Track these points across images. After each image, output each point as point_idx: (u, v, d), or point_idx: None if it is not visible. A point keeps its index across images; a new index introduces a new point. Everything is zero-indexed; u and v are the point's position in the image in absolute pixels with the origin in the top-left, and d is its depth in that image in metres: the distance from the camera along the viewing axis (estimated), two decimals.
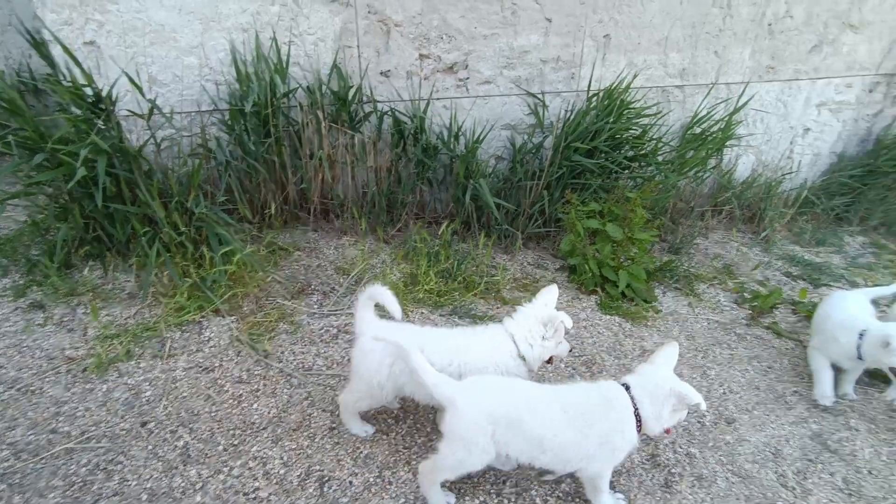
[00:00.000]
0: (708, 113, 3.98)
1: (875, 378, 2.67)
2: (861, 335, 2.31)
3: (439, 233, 3.28)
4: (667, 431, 1.76)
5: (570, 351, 2.10)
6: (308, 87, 3.14)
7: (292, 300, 2.81)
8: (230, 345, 2.49)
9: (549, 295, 2.02)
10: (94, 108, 2.59)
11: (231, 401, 2.22)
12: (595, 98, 3.53)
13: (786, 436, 2.32)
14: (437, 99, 3.42)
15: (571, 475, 1.99)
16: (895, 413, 2.49)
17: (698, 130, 3.98)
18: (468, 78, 3.43)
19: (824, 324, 2.52)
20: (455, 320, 2.79)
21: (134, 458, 1.92)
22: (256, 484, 1.87)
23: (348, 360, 2.46)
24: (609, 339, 2.80)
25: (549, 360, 2.02)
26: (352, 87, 3.18)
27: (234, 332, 2.55)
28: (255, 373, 2.36)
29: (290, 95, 3.10)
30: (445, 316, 2.81)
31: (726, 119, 3.98)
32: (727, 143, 4.04)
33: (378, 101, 3.29)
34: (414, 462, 1.99)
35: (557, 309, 2.01)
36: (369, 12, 3.12)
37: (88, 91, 2.58)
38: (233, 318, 2.63)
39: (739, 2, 3.82)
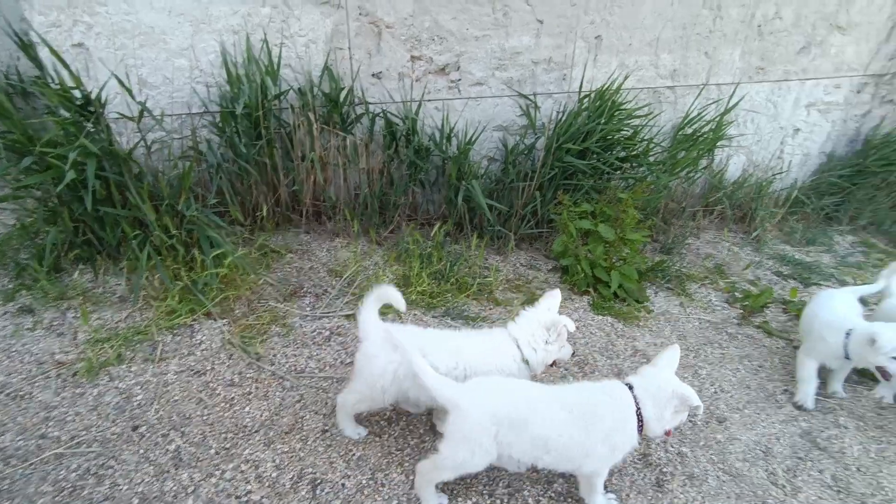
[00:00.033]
0: (699, 114, 4.00)
1: (864, 376, 2.70)
2: (848, 334, 2.32)
3: (432, 234, 3.29)
4: (667, 434, 1.79)
5: (573, 354, 2.11)
6: (299, 88, 3.13)
7: (284, 302, 2.80)
8: (222, 348, 2.48)
9: (552, 299, 2.04)
10: (83, 110, 2.57)
11: (223, 404, 2.21)
12: (587, 99, 3.55)
13: (776, 434, 2.34)
14: (429, 100, 3.42)
15: (563, 474, 2.00)
16: (883, 410, 2.52)
17: (689, 131, 4.00)
18: (460, 79, 3.44)
19: (812, 323, 2.53)
20: (448, 322, 2.79)
21: (125, 462, 1.91)
22: (248, 487, 1.86)
23: (341, 362, 2.47)
24: (601, 340, 2.81)
25: (553, 364, 2.04)
26: (343, 88, 3.18)
27: (225, 335, 2.54)
28: (247, 376, 2.35)
29: (282, 97, 3.10)
30: (438, 317, 2.81)
31: (717, 120, 4.00)
32: (718, 144, 4.07)
33: (370, 103, 3.29)
34: (407, 464, 1.99)
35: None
36: (360, 14, 3.12)
37: (77, 93, 2.56)
38: (224, 321, 2.62)
39: (729, 3, 3.85)
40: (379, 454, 2.02)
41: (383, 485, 1.91)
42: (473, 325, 2.79)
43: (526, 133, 3.62)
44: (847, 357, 2.34)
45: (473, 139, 3.39)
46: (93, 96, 2.57)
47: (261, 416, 2.16)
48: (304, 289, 2.93)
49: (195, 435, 2.05)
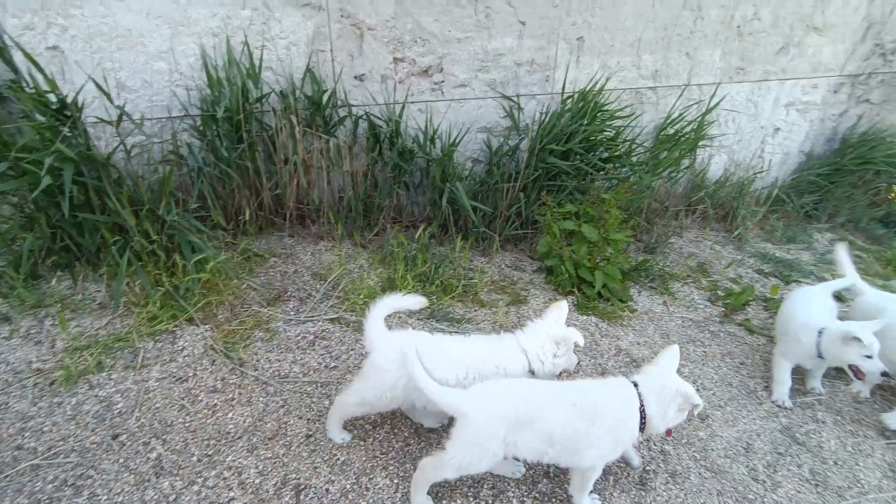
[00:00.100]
0: (681, 114, 4.05)
1: (841, 371, 2.74)
2: (820, 333, 2.35)
3: (416, 237, 3.28)
4: (668, 433, 1.83)
5: (578, 363, 2.14)
6: (281, 91, 3.11)
7: (268, 307, 2.78)
8: (204, 354, 2.46)
9: (560, 311, 2.06)
10: (59, 114, 2.53)
11: (205, 410, 2.19)
12: (570, 100, 3.57)
13: (757, 430, 2.38)
14: (413, 102, 3.42)
15: (548, 474, 2.02)
16: (860, 405, 2.57)
17: (671, 131, 4.05)
18: (443, 81, 3.44)
19: (787, 324, 2.54)
20: (433, 324, 2.79)
21: (104, 471, 1.88)
22: (231, 494, 1.85)
23: (325, 366, 2.46)
24: (586, 339, 2.83)
25: (559, 374, 2.05)
26: (326, 91, 3.17)
27: (208, 341, 2.52)
28: (230, 382, 2.34)
29: (264, 100, 3.07)
30: (423, 320, 2.81)
31: (699, 120, 4.05)
32: (700, 144, 4.12)
33: (353, 106, 3.28)
34: (392, 468, 1.99)
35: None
36: (342, 16, 3.11)
37: (52, 97, 2.52)
38: (207, 326, 2.60)
39: (709, 4, 3.90)
40: (363, 458, 2.02)
41: (368, 489, 1.91)
42: (459, 327, 2.79)
43: (510, 134, 3.63)
44: (820, 356, 2.37)
45: (457, 141, 3.40)
46: (69, 100, 2.53)
47: (244, 422, 2.14)
48: (288, 293, 2.91)
49: (177, 442, 2.03)
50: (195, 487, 1.86)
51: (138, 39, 2.82)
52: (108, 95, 2.66)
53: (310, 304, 2.84)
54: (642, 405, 1.76)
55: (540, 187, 3.47)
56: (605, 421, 1.72)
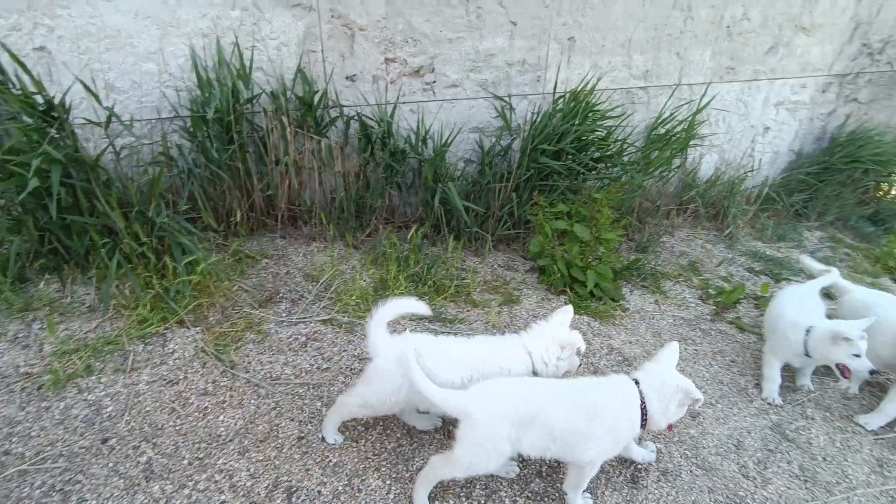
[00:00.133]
0: (672, 114, 4.07)
1: (829, 369, 2.77)
2: (808, 332, 2.35)
3: (408, 237, 3.28)
4: (669, 428, 1.85)
5: (579, 366, 2.18)
6: (272, 92, 3.10)
7: (260, 309, 2.77)
8: (195, 356, 2.45)
9: (565, 315, 2.10)
10: (47, 116, 2.51)
11: (196, 413, 2.17)
12: (561, 100, 3.58)
13: (747, 427, 2.39)
14: (404, 103, 3.42)
15: (540, 473, 2.02)
16: (848, 401, 2.59)
17: (662, 131, 4.07)
18: (435, 81, 3.44)
19: (777, 322, 2.54)
20: (426, 324, 2.79)
21: (93, 476, 1.86)
22: (223, 497, 1.84)
23: (317, 368, 2.45)
24: None
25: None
26: (317, 91, 3.16)
27: (199, 344, 2.50)
28: (222, 384, 2.32)
29: (254, 101, 3.06)
30: (416, 320, 2.81)
31: (689, 119, 4.08)
32: (691, 143, 4.14)
33: (344, 106, 3.27)
34: (384, 469, 1.99)
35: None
36: (333, 16, 3.11)
37: (39, 99, 2.49)
38: (198, 328, 2.58)
39: (699, 4, 3.92)
40: (356, 460, 2.01)
41: (360, 490, 1.90)
42: (451, 328, 2.79)
43: (502, 134, 3.64)
44: (807, 355, 2.38)
45: (449, 141, 3.40)
46: (56, 101, 2.51)
47: (235, 424, 2.13)
48: (280, 294, 2.90)
49: (167, 446, 2.02)
50: (186, 491, 1.85)
51: (127, 40, 2.80)
52: (96, 96, 2.64)
53: (302, 306, 2.83)
54: (643, 402, 1.78)
55: (532, 187, 3.47)
56: (605, 419, 1.74)
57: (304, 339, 2.62)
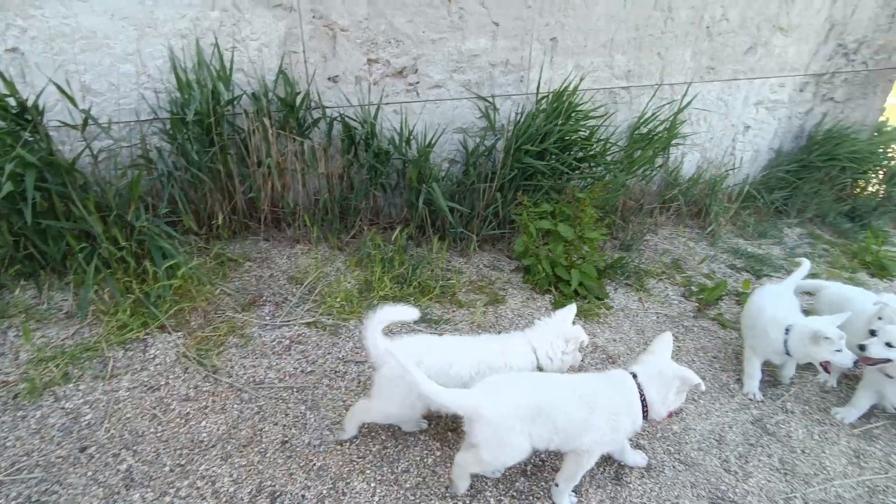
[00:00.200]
0: (653, 113, 4.12)
1: (809, 364, 2.82)
2: (787, 331, 2.37)
3: (393, 238, 3.27)
4: (669, 416, 1.89)
5: (584, 359, 2.24)
6: (253, 93, 3.07)
7: (243, 312, 2.74)
8: (177, 361, 2.41)
9: (568, 312, 2.15)
10: (20, 119, 2.45)
11: (178, 419, 2.14)
12: (544, 100, 3.60)
13: (729, 422, 2.42)
14: (388, 103, 3.41)
15: (525, 472, 2.03)
16: (826, 394, 2.64)
17: (645, 130, 4.11)
18: (418, 82, 3.44)
19: (756, 319, 2.55)
20: (411, 326, 2.78)
21: (71, 486, 1.83)
22: (205, 503, 1.82)
23: (301, 371, 2.43)
24: None
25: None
26: (299, 93, 3.14)
27: (180, 349, 2.47)
28: (204, 389, 2.29)
29: (235, 102, 3.03)
30: (400, 323, 2.80)
31: (671, 119, 4.12)
32: (673, 142, 4.19)
33: (327, 107, 3.25)
34: (368, 472, 1.98)
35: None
36: (314, 17, 3.09)
37: (12, 101, 2.44)
38: (179, 333, 2.55)
39: (679, 5, 3.97)
40: (340, 463, 2.00)
41: (345, 494, 1.89)
42: (437, 328, 2.79)
43: (486, 135, 3.65)
44: (788, 353, 2.39)
45: (433, 142, 3.40)
46: (29, 104, 2.46)
47: (218, 430, 2.11)
48: (264, 297, 2.87)
49: (148, 453, 1.99)
50: (167, 498, 1.82)
51: (103, 41, 2.76)
52: (71, 99, 2.59)
53: (285, 309, 2.81)
54: (643, 394, 1.83)
55: (516, 187, 3.49)
56: (605, 411, 1.79)
57: (287, 342, 2.60)
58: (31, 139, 2.45)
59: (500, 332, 2.64)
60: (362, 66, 3.28)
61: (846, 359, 2.21)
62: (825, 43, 4.63)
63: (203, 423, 2.13)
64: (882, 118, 5.39)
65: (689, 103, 4.20)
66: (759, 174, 4.99)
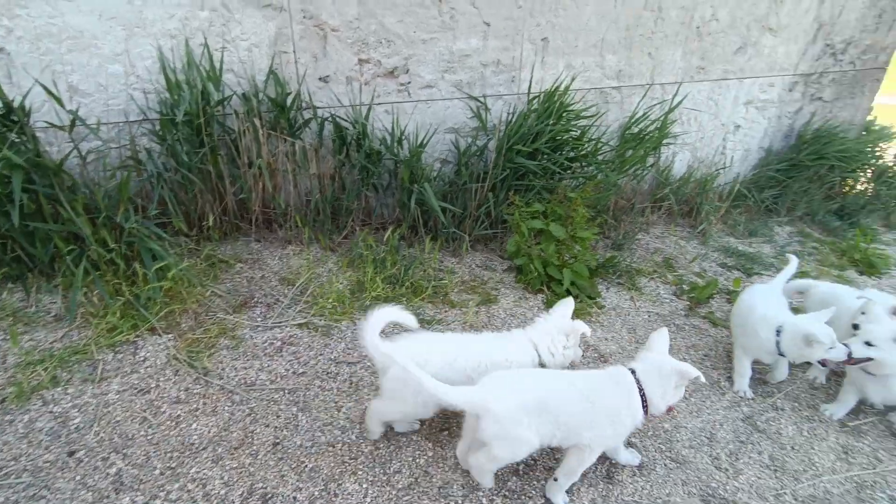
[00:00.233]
0: (644, 113, 4.14)
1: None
2: (778, 332, 2.36)
3: (384, 239, 3.27)
4: (668, 410, 1.92)
5: (583, 356, 2.28)
6: (244, 94, 3.06)
7: (234, 314, 2.73)
8: (167, 364, 2.40)
9: (566, 307, 2.17)
10: (6, 120, 2.43)
11: (169, 422, 2.13)
12: (536, 100, 3.61)
13: (720, 420, 2.44)
14: (379, 104, 3.40)
15: (517, 471, 2.03)
16: (815, 391, 2.66)
17: (636, 130, 4.13)
18: (409, 82, 3.44)
19: (746, 318, 2.55)
20: (402, 327, 2.77)
21: (59, 490, 1.81)
22: None
23: (293, 372, 2.43)
24: None
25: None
26: (290, 93, 3.12)
27: (171, 351, 2.45)
28: (195, 391, 2.28)
29: (225, 103, 3.01)
30: (393, 323, 2.79)
31: (662, 118, 4.15)
32: (664, 142, 4.21)
33: (318, 108, 3.24)
34: (360, 473, 1.97)
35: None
36: (304, 17, 3.07)
37: None
38: (170, 335, 2.53)
39: (669, 5, 3.99)
40: (332, 464, 2.00)
41: (336, 495, 1.89)
42: (429, 328, 2.79)
43: (477, 135, 3.65)
44: (780, 353, 2.39)
45: (425, 142, 3.40)
46: (15, 105, 2.43)
47: (209, 432, 2.10)
48: (255, 299, 2.86)
49: (138, 456, 1.97)
50: (157, 502, 1.81)
51: (91, 41, 2.73)
52: (58, 100, 2.57)
53: (277, 310, 2.79)
54: (642, 389, 1.86)
55: (508, 187, 3.49)
56: (605, 406, 1.82)
57: (279, 343, 2.59)
58: (17, 140, 2.43)
59: (495, 331, 2.66)
60: (353, 66, 3.28)
61: (840, 353, 2.22)
62: (813, 43, 4.67)
63: (194, 425, 2.12)
64: (870, 117, 5.46)
65: (679, 103, 4.23)
66: (749, 173, 5.03)
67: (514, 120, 3.52)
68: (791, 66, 4.71)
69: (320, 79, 3.25)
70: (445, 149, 3.68)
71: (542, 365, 2.07)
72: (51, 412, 2.10)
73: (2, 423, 2.03)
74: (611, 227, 4.05)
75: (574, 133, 3.64)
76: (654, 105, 4.21)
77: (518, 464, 2.07)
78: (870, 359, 2.21)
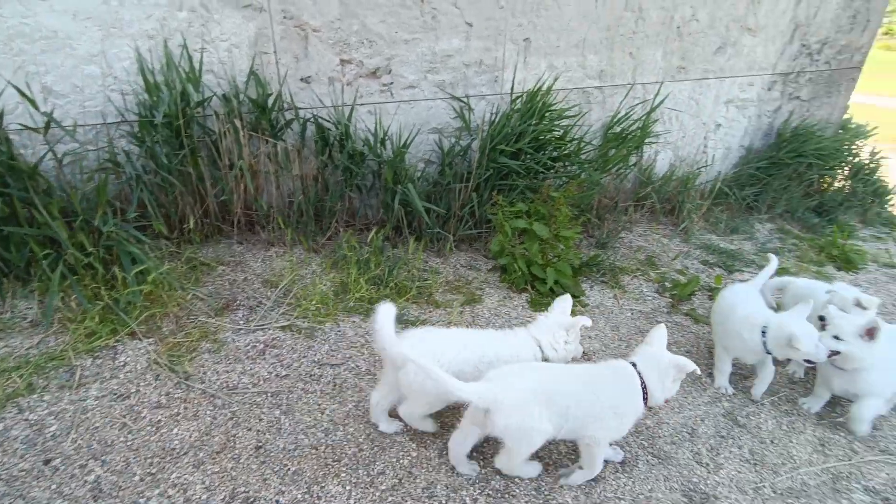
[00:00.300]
0: (627, 112, 4.18)
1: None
2: (764, 332, 2.36)
3: (368, 240, 3.26)
4: (666, 402, 2.03)
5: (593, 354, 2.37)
6: (224, 95, 3.03)
7: (216, 317, 2.70)
8: (148, 368, 2.37)
9: (565, 303, 2.25)
10: None
11: (149, 427, 2.10)
12: (518, 100, 3.62)
13: (701, 416, 2.47)
14: (362, 104, 3.39)
15: (499, 472, 2.04)
16: (794, 385, 2.71)
17: (618, 129, 4.17)
18: (392, 83, 3.43)
19: (728, 317, 2.56)
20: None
21: (34, 500, 1.78)
22: None
23: (276, 375, 2.41)
24: None
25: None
26: (271, 94, 3.10)
27: (151, 355, 2.42)
28: (176, 396, 2.25)
29: (205, 104, 2.98)
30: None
31: (644, 118, 4.19)
32: (646, 141, 4.25)
33: (300, 108, 3.22)
34: (344, 475, 1.96)
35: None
36: (285, 17, 3.05)
37: None
38: (150, 340, 2.50)
39: (649, 5, 4.03)
40: (315, 467, 1.99)
41: (320, 498, 1.88)
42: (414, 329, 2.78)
43: (461, 135, 3.65)
44: (768, 352, 2.39)
45: (408, 142, 3.39)
46: None
47: (190, 437, 2.07)
48: (237, 302, 2.84)
49: (117, 462, 1.94)
50: None
51: (65, 41, 2.69)
52: (32, 101, 2.52)
53: (260, 313, 2.77)
54: (643, 381, 1.94)
55: (492, 187, 3.50)
56: (609, 398, 1.90)
57: (262, 346, 2.57)
58: None
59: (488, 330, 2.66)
60: (335, 66, 3.26)
61: (821, 353, 2.22)
62: (790, 43, 4.75)
63: (175, 430, 2.10)
64: (846, 116, 5.57)
65: (661, 102, 4.27)
66: (730, 171, 5.10)
67: (497, 120, 3.53)
68: (770, 66, 4.78)
69: (302, 79, 3.23)
70: (429, 149, 3.68)
71: (544, 360, 2.13)
72: (26, 420, 2.06)
73: None
74: (594, 226, 4.08)
75: (557, 133, 3.66)
76: (636, 104, 4.25)
77: None
78: (837, 352, 2.22)
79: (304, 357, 2.53)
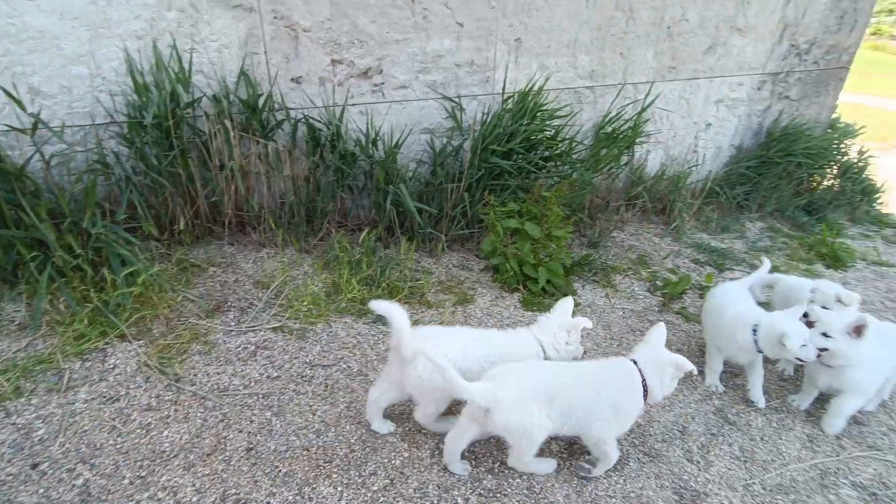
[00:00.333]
0: (618, 112, 4.19)
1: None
2: (755, 331, 2.36)
3: (360, 240, 3.26)
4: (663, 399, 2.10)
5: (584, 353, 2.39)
6: (214, 95, 3.02)
7: (207, 319, 2.69)
8: (138, 371, 2.35)
9: (567, 305, 2.28)
10: None
11: (139, 430, 2.09)
12: (510, 101, 3.63)
13: (692, 413, 2.49)
14: (353, 105, 3.39)
15: (492, 471, 2.04)
16: (784, 382, 2.74)
17: (610, 129, 4.19)
18: (383, 83, 3.43)
19: (720, 315, 2.56)
20: (379, 327, 2.77)
21: None
22: None
23: (267, 377, 2.40)
24: None
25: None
26: (261, 94, 3.09)
27: (141, 358, 2.40)
28: (166, 398, 2.24)
29: (195, 105, 2.97)
30: (369, 324, 2.79)
31: (635, 118, 4.21)
32: (637, 141, 4.27)
33: (291, 109, 3.21)
34: (335, 476, 1.96)
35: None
36: (275, 17, 3.04)
37: None
38: (140, 342, 2.48)
39: (640, 6, 4.05)
40: (306, 468, 1.98)
41: (311, 499, 1.87)
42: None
43: (452, 135, 3.66)
44: (760, 351, 2.39)
45: (400, 143, 3.39)
46: None
47: (180, 439, 2.06)
48: (228, 303, 2.82)
49: (107, 466, 1.93)
50: None
51: (53, 42, 2.66)
52: (19, 102, 2.50)
53: (251, 314, 2.76)
54: (643, 379, 1.98)
55: (484, 187, 3.51)
56: (611, 396, 1.93)
57: (253, 347, 2.56)
58: None
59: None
60: (326, 66, 3.26)
61: (811, 353, 2.23)
62: (780, 43, 4.79)
63: (165, 432, 2.09)
64: (834, 115, 5.62)
65: (651, 102, 4.29)
66: (720, 170, 5.13)
67: (488, 120, 3.54)
68: (759, 66, 4.82)
69: (292, 80, 3.22)
70: (421, 149, 3.68)
71: (546, 359, 2.16)
72: (13, 424, 2.04)
73: None
74: (586, 226, 4.10)
75: (548, 133, 3.67)
76: (627, 104, 4.27)
77: (493, 462, 2.08)
78: (825, 349, 2.23)
79: (295, 358, 2.52)
